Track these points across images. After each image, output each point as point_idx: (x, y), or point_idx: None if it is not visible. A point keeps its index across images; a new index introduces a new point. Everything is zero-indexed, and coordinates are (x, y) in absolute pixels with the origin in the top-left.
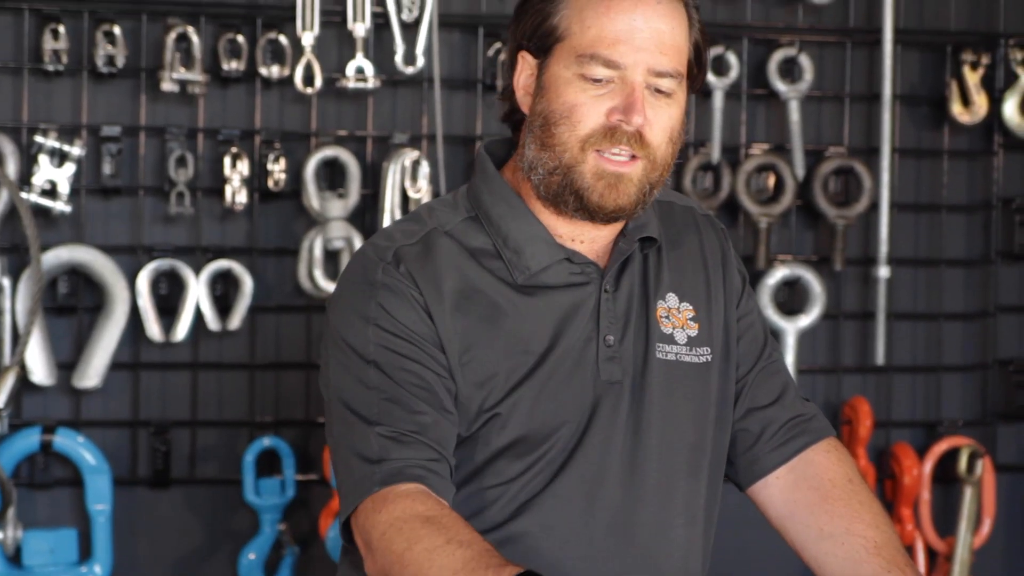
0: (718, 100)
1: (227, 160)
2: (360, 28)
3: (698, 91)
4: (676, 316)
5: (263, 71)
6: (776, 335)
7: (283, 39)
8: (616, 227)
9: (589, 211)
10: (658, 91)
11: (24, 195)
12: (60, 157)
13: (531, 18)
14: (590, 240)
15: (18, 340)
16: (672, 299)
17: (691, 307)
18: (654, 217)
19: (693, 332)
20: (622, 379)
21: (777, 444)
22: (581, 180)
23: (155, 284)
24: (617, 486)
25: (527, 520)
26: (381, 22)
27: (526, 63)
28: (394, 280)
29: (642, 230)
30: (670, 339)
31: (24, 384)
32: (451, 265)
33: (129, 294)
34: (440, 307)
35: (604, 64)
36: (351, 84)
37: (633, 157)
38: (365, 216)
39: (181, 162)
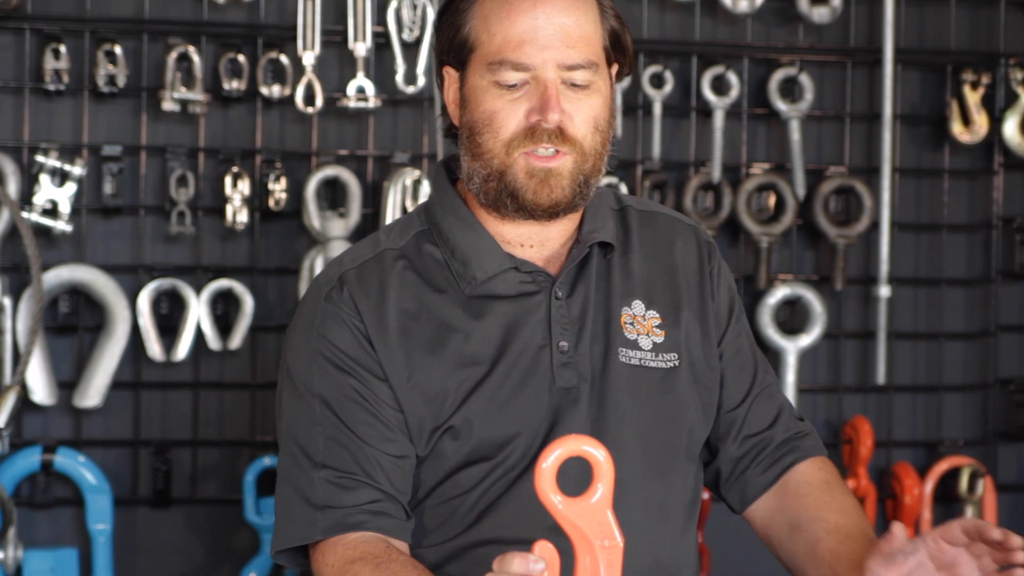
0: (719, 120)
1: (228, 179)
2: (361, 48)
3: (628, 74)
4: (641, 323)
5: (264, 90)
6: (777, 354)
7: (284, 59)
8: (565, 230)
9: (527, 210)
10: (574, 85)
11: (25, 214)
12: (61, 176)
13: (446, 32)
14: (539, 244)
15: (19, 359)
16: (638, 306)
17: (658, 315)
18: (611, 222)
19: (659, 339)
20: (578, 384)
21: (766, 466)
22: (514, 181)
23: (156, 303)
24: None
25: (488, 526)
26: (382, 42)
27: (450, 77)
28: (336, 307)
29: (595, 235)
30: (634, 344)
31: (25, 404)
32: (397, 285)
33: (130, 313)
34: (382, 332)
35: (513, 68)
36: (352, 104)
37: (559, 152)
38: (366, 235)
39: (182, 181)
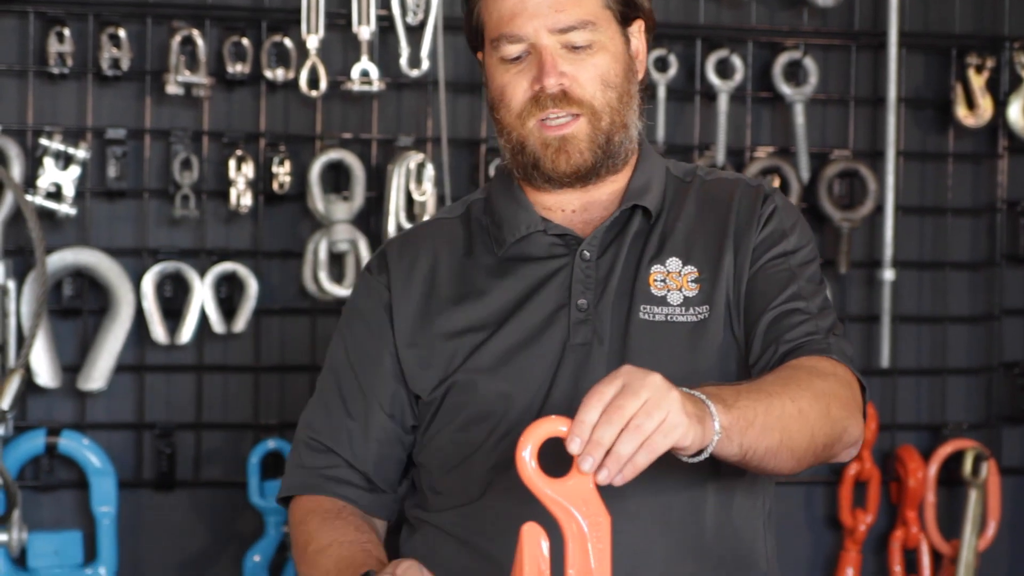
0: (723, 103)
1: (232, 163)
2: (365, 31)
3: (652, 27)
4: (675, 279)
5: (268, 74)
6: None
7: (288, 42)
8: (610, 194)
9: (553, 179)
10: (575, 47)
11: (29, 197)
12: (65, 160)
13: (466, 19)
14: (581, 209)
15: (23, 342)
16: (673, 263)
17: (695, 269)
18: (659, 188)
19: (692, 293)
20: (591, 341)
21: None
22: (534, 152)
23: (160, 287)
24: None
25: (501, 488)
26: (386, 25)
27: (481, 62)
28: (367, 280)
29: (635, 199)
30: (660, 301)
31: (29, 386)
32: (434, 250)
33: (134, 296)
34: (405, 296)
35: (509, 41)
36: (356, 87)
37: (574, 116)
38: (370, 219)
39: (186, 165)
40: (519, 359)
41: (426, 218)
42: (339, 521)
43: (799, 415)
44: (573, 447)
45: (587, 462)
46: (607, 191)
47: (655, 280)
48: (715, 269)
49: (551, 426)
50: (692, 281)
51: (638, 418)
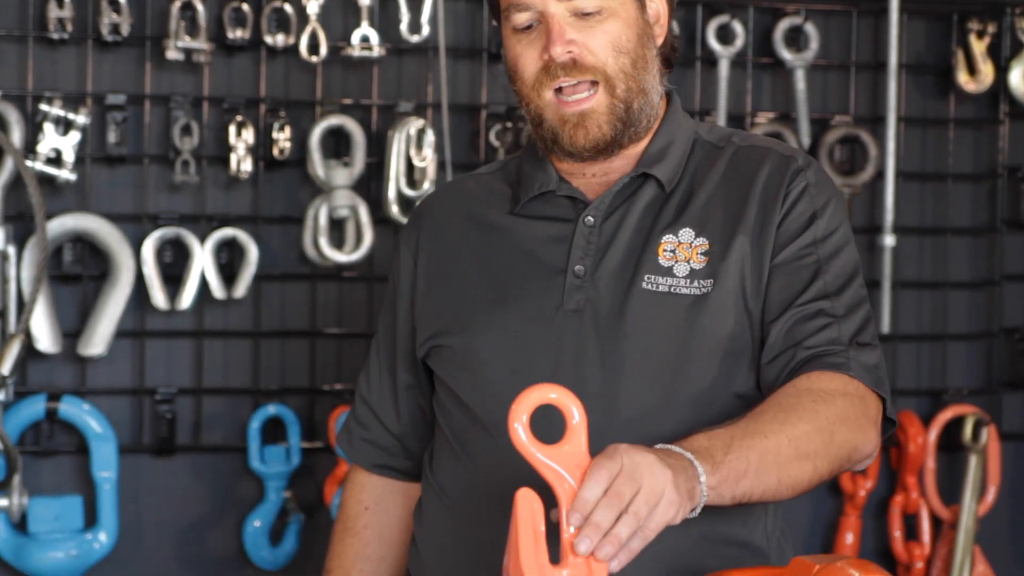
0: (723, 69)
1: (232, 128)
2: None
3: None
4: (684, 251)
5: (268, 40)
6: None
7: (288, 7)
8: (631, 159)
9: (573, 154)
10: (584, 14)
11: (29, 163)
12: (65, 125)
13: None
14: (602, 173)
15: (23, 308)
16: (686, 234)
17: (707, 242)
18: (678, 158)
19: (699, 266)
20: (583, 308)
21: (776, 382)
22: (552, 126)
23: (160, 252)
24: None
25: (480, 445)
26: None
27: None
28: (402, 238)
29: (647, 167)
30: (667, 272)
31: (29, 352)
32: (463, 203)
33: (134, 262)
34: (429, 251)
35: (518, 9)
36: (356, 53)
37: (592, 85)
38: (370, 185)
39: (186, 130)
40: (509, 320)
41: (425, 186)
42: (348, 541)
43: (796, 453)
44: (574, 520)
45: (584, 544)
46: (629, 154)
47: (664, 250)
48: (727, 245)
49: (542, 393)
50: (702, 254)
51: (635, 504)
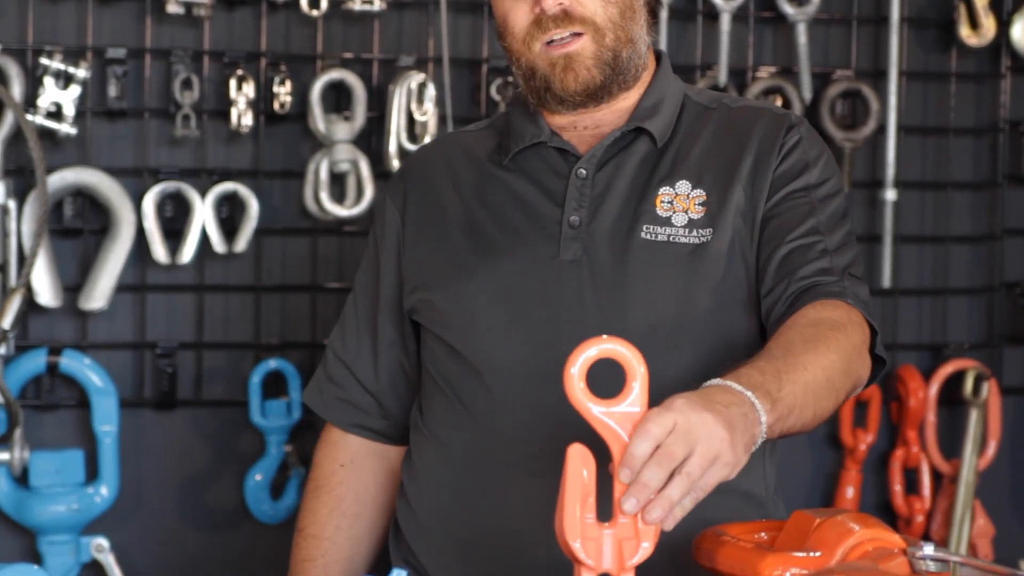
0: (725, 23)
1: (233, 83)
2: None
3: None
4: (682, 201)
5: None
6: None
7: None
8: (619, 114)
9: (564, 100)
10: None
11: (29, 117)
12: (65, 79)
13: None
14: (593, 126)
15: (24, 262)
16: (683, 185)
17: (703, 193)
18: (669, 114)
19: (697, 215)
20: (580, 259)
21: (779, 315)
22: (542, 74)
23: (161, 206)
24: None
25: (477, 396)
26: None
27: None
28: (388, 194)
29: (639, 120)
30: (665, 222)
31: (30, 306)
32: (451, 159)
33: (135, 216)
34: (416, 205)
35: None
36: (357, 6)
37: (575, 35)
38: (371, 139)
39: (186, 84)
40: (504, 269)
41: (428, 138)
42: (322, 499)
43: (828, 384)
44: (624, 476)
45: (630, 503)
46: (619, 107)
47: (662, 201)
48: (725, 195)
49: (601, 345)
50: (699, 204)
51: (689, 465)
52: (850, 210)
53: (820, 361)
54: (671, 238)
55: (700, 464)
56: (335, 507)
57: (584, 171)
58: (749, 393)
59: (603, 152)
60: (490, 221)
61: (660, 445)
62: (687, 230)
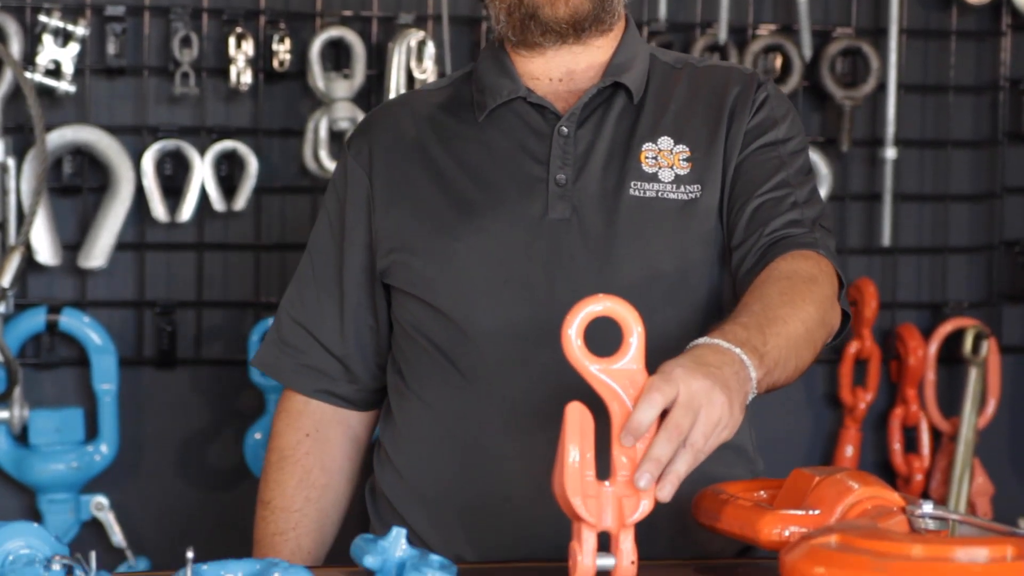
0: None
1: (232, 40)
2: None
3: None
4: (666, 157)
5: None
6: None
7: None
8: (592, 64)
9: (552, 28)
10: None
11: (28, 75)
12: (64, 37)
13: None
14: (567, 77)
15: (23, 220)
16: (666, 141)
17: (687, 149)
18: (641, 70)
19: (683, 171)
20: (570, 217)
21: (750, 268)
22: (531, 2)
23: (160, 164)
24: None
25: (465, 352)
26: None
27: None
28: (349, 152)
29: (616, 75)
30: (652, 178)
31: (29, 264)
32: (415, 118)
33: (134, 174)
34: (386, 165)
35: None
36: None
37: None
38: (370, 97)
39: (186, 42)
40: (492, 228)
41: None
42: (287, 470)
43: (807, 336)
44: (627, 442)
45: (644, 479)
46: (591, 60)
47: (646, 157)
48: (708, 149)
49: (598, 304)
50: (684, 160)
51: (693, 436)
52: (815, 172)
53: (798, 314)
54: (660, 194)
55: (704, 434)
56: (302, 478)
57: (566, 129)
58: (738, 350)
59: (582, 110)
60: (468, 180)
61: (665, 413)
62: (675, 186)
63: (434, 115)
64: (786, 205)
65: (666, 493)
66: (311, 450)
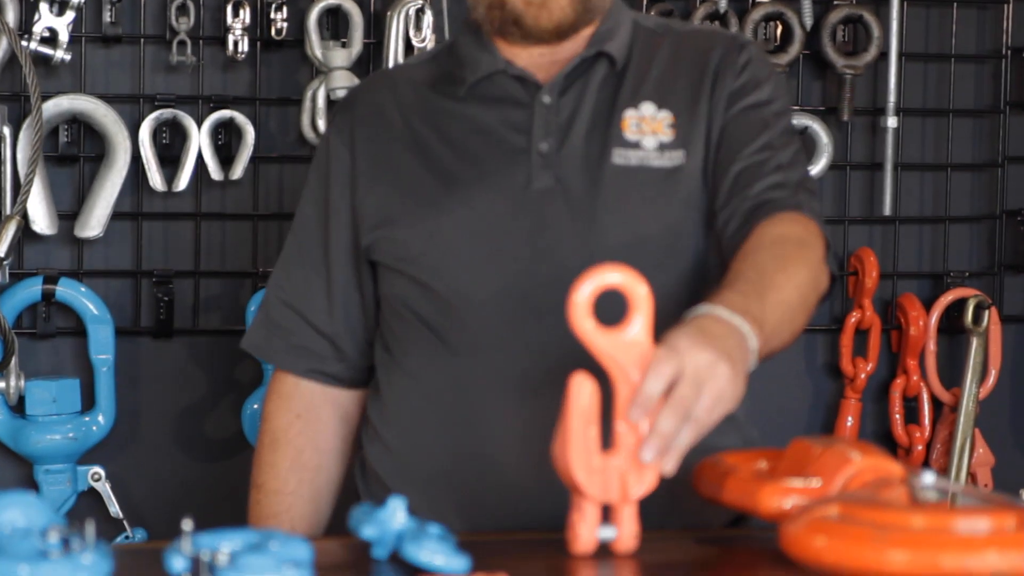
0: None
1: (229, 8)
2: None
3: None
4: (649, 123)
5: None
6: None
7: None
8: (576, 47)
9: (533, 36)
10: None
11: (24, 43)
12: (60, 5)
13: None
14: (550, 53)
15: (19, 189)
16: (648, 107)
17: (671, 114)
18: (624, 37)
19: (667, 138)
20: (554, 187)
21: (736, 230)
22: (514, 9)
23: (157, 134)
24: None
25: (454, 330)
26: None
27: None
28: (333, 128)
29: (599, 44)
30: (635, 145)
31: (25, 233)
32: (397, 94)
33: (131, 144)
34: (369, 140)
35: None
36: None
37: None
38: (369, 66)
39: (182, 10)
40: (476, 201)
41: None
42: (281, 452)
43: (801, 301)
44: (635, 415)
45: (650, 452)
46: (572, 45)
47: (629, 125)
48: (692, 114)
49: (606, 275)
50: (668, 126)
51: (697, 410)
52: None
53: (793, 279)
54: (643, 162)
55: (707, 407)
56: (295, 459)
57: (548, 98)
58: (739, 320)
59: (564, 79)
60: (451, 154)
61: (671, 387)
62: (658, 153)
63: (416, 91)
64: (770, 167)
65: (671, 467)
66: (303, 431)
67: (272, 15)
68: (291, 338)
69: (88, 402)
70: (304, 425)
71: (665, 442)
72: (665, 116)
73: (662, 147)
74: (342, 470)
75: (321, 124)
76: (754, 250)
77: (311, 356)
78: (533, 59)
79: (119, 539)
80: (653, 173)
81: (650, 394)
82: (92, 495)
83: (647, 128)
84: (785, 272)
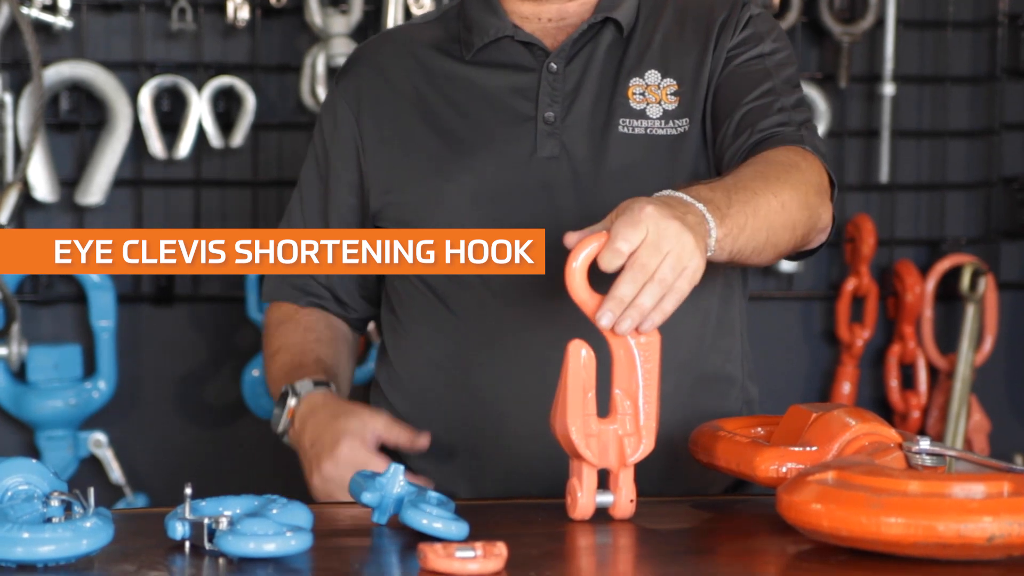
0: None
1: None
2: None
3: None
4: (654, 92)
5: None
6: None
7: None
8: (583, 10)
9: None
10: None
11: (25, 10)
12: None
13: None
14: (557, 19)
15: (20, 156)
16: (653, 76)
17: (674, 82)
18: (632, 2)
19: (671, 106)
20: (559, 155)
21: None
22: None
23: (157, 101)
24: None
25: (463, 294)
26: None
27: None
28: (337, 89)
29: (606, 11)
30: (640, 114)
31: (27, 200)
32: (402, 55)
33: (131, 111)
34: (374, 103)
35: None
36: None
37: None
38: (368, 32)
39: None
40: (482, 168)
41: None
42: (291, 324)
43: (782, 209)
44: (604, 264)
45: (605, 317)
46: (579, 6)
47: (634, 93)
48: (695, 80)
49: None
50: (672, 94)
51: (661, 271)
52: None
53: (771, 188)
54: (648, 130)
55: (672, 267)
56: (312, 326)
57: (555, 65)
58: (700, 205)
59: (571, 46)
60: (458, 119)
61: (632, 255)
62: (663, 122)
63: (422, 53)
64: (773, 110)
65: (625, 326)
66: (312, 313)
67: None
68: (294, 281)
69: (89, 368)
70: (312, 312)
71: (620, 306)
72: (669, 84)
73: (666, 115)
74: (351, 370)
75: (321, 91)
76: (739, 166)
77: (311, 296)
78: (541, 24)
79: (120, 504)
80: (658, 141)
81: (620, 249)
82: (93, 461)
83: (652, 97)
84: (764, 181)
